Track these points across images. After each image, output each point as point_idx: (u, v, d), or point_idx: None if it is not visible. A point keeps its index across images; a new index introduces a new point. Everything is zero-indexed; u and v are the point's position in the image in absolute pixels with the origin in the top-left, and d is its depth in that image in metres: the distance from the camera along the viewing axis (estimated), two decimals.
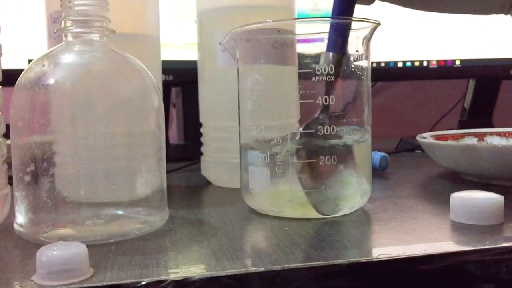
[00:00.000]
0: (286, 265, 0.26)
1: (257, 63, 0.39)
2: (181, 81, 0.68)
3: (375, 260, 0.27)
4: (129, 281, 0.24)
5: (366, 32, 0.37)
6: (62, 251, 0.25)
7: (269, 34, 0.39)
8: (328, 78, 0.36)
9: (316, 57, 0.37)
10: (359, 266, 0.26)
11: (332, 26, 0.36)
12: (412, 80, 0.92)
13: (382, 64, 0.78)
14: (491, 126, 0.84)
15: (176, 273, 0.25)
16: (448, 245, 0.29)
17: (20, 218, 0.32)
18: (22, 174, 0.31)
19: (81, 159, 0.32)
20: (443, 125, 0.93)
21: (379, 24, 0.37)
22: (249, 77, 0.39)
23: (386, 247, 0.29)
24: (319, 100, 0.36)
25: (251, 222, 0.36)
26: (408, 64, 0.79)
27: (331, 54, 0.36)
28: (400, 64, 0.79)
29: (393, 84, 1.01)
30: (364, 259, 0.27)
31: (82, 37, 0.32)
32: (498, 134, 0.60)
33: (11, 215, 0.34)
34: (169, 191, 0.42)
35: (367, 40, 0.38)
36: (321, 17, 0.38)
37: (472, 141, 0.59)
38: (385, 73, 0.80)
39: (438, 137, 0.57)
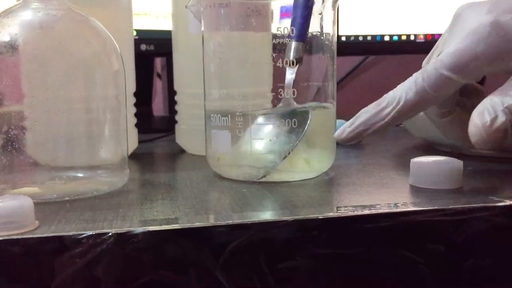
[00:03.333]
0: (230, 222, 0.26)
1: (221, 27, 0.39)
2: (163, 51, 0.67)
3: (320, 217, 0.27)
4: (71, 233, 0.24)
5: None
6: (6, 203, 0.25)
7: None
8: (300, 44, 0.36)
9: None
10: (305, 223, 0.27)
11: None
12: (399, 54, 0.91)
13: (369, 38, 0.78)
14: None
15: (119, 227, 0.25)
16: (396, 205, 0.29)
17: None
18: None
19: (38, 121, 0.32)
20: None
21: None
22: (213, 40, 0.38)
23: (337, 207, 0.29)
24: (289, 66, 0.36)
25: (211, 185, 0.36)
26: (395, 38, 0.78)
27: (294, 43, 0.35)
28: (386, 38, 0.78)
29: (382, 59, 1.01)
30: (308, 217, 0.27)
31: None
32: None
33: None
34: (142, 158, 0.42)
35: (333, 4, 0.37)
36: None
37: None
38: (372, 47, 0.79)
39: None
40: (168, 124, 0.73)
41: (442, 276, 0.29)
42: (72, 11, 0.33)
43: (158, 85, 0.81)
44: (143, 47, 0.65)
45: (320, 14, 0.37)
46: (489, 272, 0.29)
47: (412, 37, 0.79)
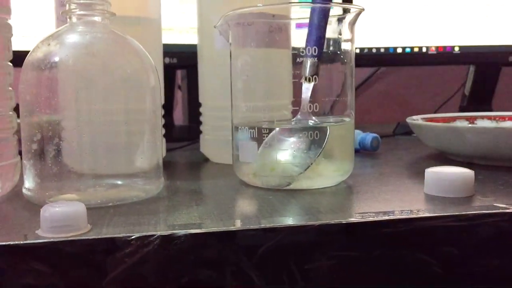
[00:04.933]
0: (262, 225, 0.29)
1: (248, 41, 0.42)
2: (185, 64, 0.71)
3: (344, 222, 0.30)
4: (121, 235, 0.27)
5: (351, 16, 0.40)
6: (63, 208, 0.28)
7: (263, 18, 0.41)
8: (315, 61, 0.39)
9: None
10: (328, 228, 0.29)
11: (312, 18, 0.38)
12: (412, 66, 0.93)
13: (382, 50, 0.80)
14: (491, 111, 0.86)
15: (164, 230, 0.28)
16: (414, 212, 0.32)
17: (28, 184, 0.35)
18: (30, 143, 0.35)
19: (83, 133, 0.35)
20: (445, 110, 0.95)
21: (363, 9, 0.40)
22: (240, 59, 0.41)
23: (357, 213, 0.32)
24: (306, 81, 0.39)
25: (239, 192, 0.39)
26: (408, 50, 0.81)
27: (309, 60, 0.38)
28: (399, 50, 0.81)
29: (396, 70, 1.03)
30: (332, 222, 0.29)
31: (84, 18, 0.35)
32: (489, 118, 0.62)
33: (21, 182, 0.38)
34: (169, 166, 0.45)
35: (352, 24, 0.40)
36: (309, 3, 0.40)
37: (463, 124, 0.61)
38: (384, 59, 0.81)
39: (429, 120, 0.59)
40: (189, 133, 0.77)
41: (454, 277, 0.31)
42: (113, 33, 0.36)
43: (178, 96, 0.84)
44: (167, 60, 0.68)
45: (338, 33, 0.40)
46: (498, 274, 0.32)
47: (424, 49, 0.81)
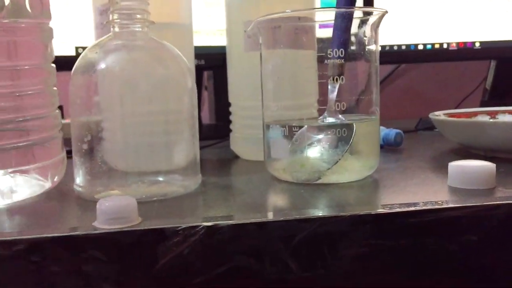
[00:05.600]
0: (298, 216, 0.31)
1: (277, 45, 0.44)
2: (212, 65, 0.73)
3: (373, 213, 0.32)
4: (170, 226, 0.30)
5: (374, 19, 0.42)
6: (116, 202, 0.31)
7: (290, 22, 0.44)
8: (340, 61, 0.41)
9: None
10: (359, 218, 0.32)
11: (337, 21, 0.41)
12: (433, 62, 0.95)
13: (403, 47, 0.82)
14: None
15: (207, 221, 0.31)
16: (438, 203, 0.34)
17: (78, 180, 0.39)
18: (80, 144, 0.38)
19: (128, 133, 0.38)
20: (466, 105, 0.96)
21: (386, 12, 0.42)
22: (270, 61, 0.44)
23: (385, 204, 0.34)
24: (332, 81, 0.41)
25: (272, 187, 0.42)
26: (429, 46, 0.82)
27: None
28: (420, 47, 0.82)
29: (417, 66, 1.04)
30: (363, 212, 0.32)
31: (127, 28, 0.38)
32: (510, 112, 0.63)
33: (71, 180, 0.41)
34: (202, 163, 0.47)
35: (376, 26, 0.42)
36: (334, 7, 0.42)
37: (484, 118, 0.62)
38: (406, 55, 0.83)
39: (451, 115, 0.61)
40: (215, 131, 0.79)
41: (475, 263, 0.33)
42: (153, 40, 0.39)
43: (204, 95, 0.87)
44: (195, 61, 0.71)
45: (362, 34, 0.42)
46: None
47: (445, 46, 0.83)
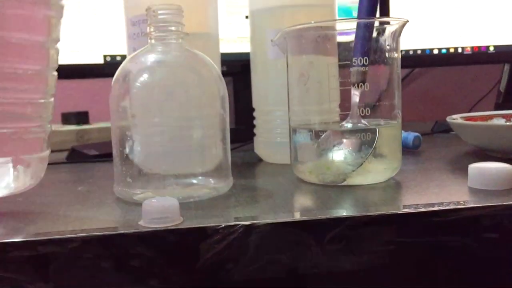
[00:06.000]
0: (329, 216, 0.33)
1: (303, 54, 0.46)
2: (233, 71, 0.76)
3: (399, 212, 0.34)
4: (211, 225, 0.32)
5: (395, 28, 0.44)
6: (161, 203, 0.33)
7: (313, 31, 0.46)
8: (363, 69, 0.43)
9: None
10: (386, 217, 0.34)
11: (359, 31, 0.43)
12: (448, 66, 0.96)
13: (419, 52, 0.84)
14: None
15: (245, 221, 0.33)
16: (460, 203, 0.36)
17: (119, 183, 0.41)
18: (121, 148, 0.40)
19: (163, 138, 0.41)
20: (480, 108, 0.97)
21: (407, 21, 0.44)
22: (296, 68, 0.46)
23: (409, 204, 0.36)
24: (355, 88, 0.43)
25: (300, 188, 0.44)
26: (444, 51, 0.84)
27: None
28: (435, 51, 0.84)
29: (431, 69, 1.06)
30: (390, 212, 0.34)
31: (163, 40, 0.41)
32: None
33: (108, 183, 0.43)
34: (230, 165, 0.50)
35: (397, 35, 0.44)
36: (356, 18, 0.45)
37: (500, 121, 0.64)
38: (422, 60, 0.85)
39: (468, 118, 0.63)
40: (235, 135, 0.82)
41: (495, 258, 0.35)
42: (187, 51, 0.42)
43: None
44: None
45: (384, 42, 0.44)
46: None
47: (459, 50, 0.84)
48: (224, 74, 0.81)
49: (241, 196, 0.41)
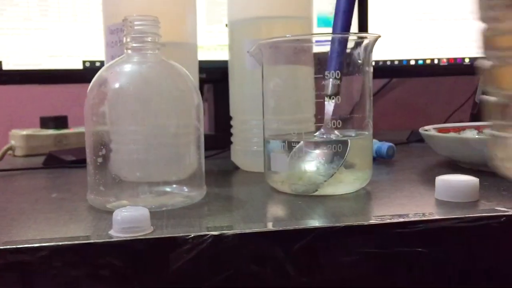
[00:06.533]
0: (297, 226, 0.34)
1: (278, 65, 0.47)
2: (213, 78, 0.77)
3: (365, 224, 0.35)
4: (180, 234, 0.33)
5: (368, 42, 0.45)
6: (131, 212, 0.34)
7: (288, 44, 0.47)
8: (337, 82, 0.44)
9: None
10: (353, 228, 0.35)
11: (333, 45, 0.44)
12: (424, 77, 0.98)
13: (396, 62, 0.85)
14: None
15: (214, 231, 0.34)
16: (426, 214, 0.37)
17: (92, 191, 0.41)
18: (94, 156, 0.40)
19: (138, 146, 0.41)
20: (456, 118, 0.99)
21: (379, 36, 0.45)
22: (272, 79, 0.47)
23: (377, 216, 0.37)
24: (328, 100, 0.44)
25: (272, 198, 0.45)
26: (420, 62, 0.86)
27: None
28: (412, 62, 0.86)
29: (409, 80, 1.08)
30: (356, 223, 0.35)
31: (139, 50, 0.41)
32: None
33: (82, 190, 0.43)
34: (205, 174, 0.50)
35: (370, 49, 0.46)
36: (330, 33, 0.46)
37: (472, 133, 0.65)
38: (399, 70, 0.87)
39: (441, 130, 0.64)
40: (215, 142, 0.82)
41: (460, 270, 0.36)
42: (163, 61, 0.42)
43: (204, 107, 0.90)
44: None
45: (357, 56, 0.45)
46: (497, 268, 0.37)
47: (436, 61, 0.86)
48: (205, 81, 0.82)
49: (214, 205, 0.42)
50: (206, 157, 0.67)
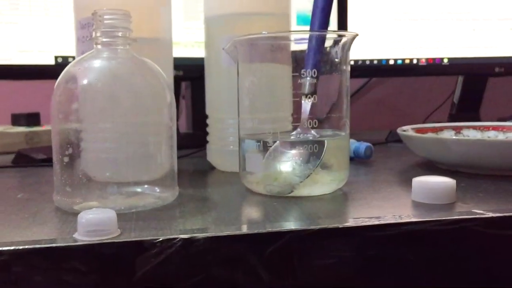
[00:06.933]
0: (270, 229, 0.33)
1: (254, 63, 0.46)
2: (190, 76, 0.75)
3: (340, 227, 0.34)
4: (148, 238, 0.32)
5: (345, 40, 0.44)
6: (97, 215, 0.32)
7: (264, 41, 0.46)
8: (313, 81, 0.43)
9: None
10: (327, 231, 0.34)
11: (310, 43, 0.43)
12: (403, 77, 0.98)
13: (375, 62, 0.85)
14: (478, 119, 0.91)
15: (184, 234, 0.32)
16: (400, 217, 0.36)
17: (58, 192, 0.40)
18: (61, 156, 0.39)
19: (107, 145, 0.40)
20: (435, 118, 0.99)
21: (357, 35, 0.44)
22: (247, 77, 0.46)
23: (352, 218, 0.36)
24: (305, 99, 0.43)
25: (246, 199, 0.44)
26: (399, 61, 0.86)
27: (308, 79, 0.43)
28: (391, 62, 0.85)
29: (388, 79, 1.08)
30: (331, 226, 0.34)
31: (109, 46, 0.40)
32: (474, 127, 0.66)
33: (51, 190, 0.42)
34: (179, 174, 0.49)
35: (347, 48, 0.45)
36: (308, 31, 0.45)
37: (450, 134, 0.65)
38: (378, 70, 0.86)
39: (419, 130, 0.64)
40: (193, 140, 0.81)
41: (436, 273, 0.36)
42: (134, 57, 0.41)
43: (182, 104, 0.89)
44: (174, 73, 0.72)
45: (335, 55, 0.45)
46: (473, 270, 0.36)
47: (415, 61, 0.86)
48: (182, 78, 0.80)
49: (187, 206, 0.41)
50: (183, 156, 0.66)
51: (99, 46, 0.40)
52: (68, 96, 0.39)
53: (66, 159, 0.39)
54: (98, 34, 0.39)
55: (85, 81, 0.38)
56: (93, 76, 0.39)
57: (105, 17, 0.39)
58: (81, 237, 0.32)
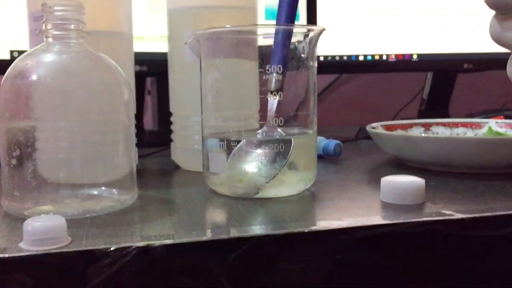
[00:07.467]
0: (232, 235, 0.31)
1: (217, 58, 0.44)
2: (155, 71, 0.72)
3: (306, 231, 0.32)
4: (101, 247, 0.29)
5: (312, 35, 0.43)
6: (44, 222, 0.30)
7: (228, 35, 0.44)
8: (279, 77, 0.41)
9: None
10: (292, 236, 0.32)
11: (276, 38, 0.41)
12: (373, 73, 0.98)
13: (345, 58, 0.84)
14: (447, 115, 0.91)
15: (140, 242, 0.30)
16: (369, 219, 0.35)
17: (7, 196, 0.37)
18: (8, 157, 0.36)
19: (60, 145, 0.37)
20: (404, 114, 0.99)
21: (324, 29, 0.42)
22: (210, 73, 0.44)
23: (319, 221, 0.35)
24: (270, 96, 0.41)
25: (209, 201, 0.42)
26: (369, 57, 0.85)
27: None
28: (361, 58, 0.85)
29: (358, 76, 1.07)
30: (296, 230, 0.32)
31: (61, 39, 0.37)
32: (444, 124, 0.66)
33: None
34: (142, 173, 0.47)
35: (314, 43, 0.43)
36: (274, 25, 0.43)
37: (419, 131, 0.65)
38: (348, 66, 0.85)
39: (388, 127, 0.63)
40: (159, 138, 0.78)
41: (406, 276, 0.34)
42: (88, 51, 0.38)
43: (147, 100, 0.86)
44: (137, 68, 0.69)
45: (301, 50, 0.43)
46: (443, 272, 0.35)
47: (384, 57, 0.85)
48: (146, 74, 0.78)
49: (146, 210, 0.38)
50: (147, 155, 0.63)
51: (49, 40, 0.37)
52: (16, 92, 0.36)
53: (13, 161, 0.36)
54: (49, 27, 0.37)
55: (34, 77, 0.36)
56: (43, 71, 0.36)
57: (56, 8, 0.36)
58: (27, 247, 0.29)
